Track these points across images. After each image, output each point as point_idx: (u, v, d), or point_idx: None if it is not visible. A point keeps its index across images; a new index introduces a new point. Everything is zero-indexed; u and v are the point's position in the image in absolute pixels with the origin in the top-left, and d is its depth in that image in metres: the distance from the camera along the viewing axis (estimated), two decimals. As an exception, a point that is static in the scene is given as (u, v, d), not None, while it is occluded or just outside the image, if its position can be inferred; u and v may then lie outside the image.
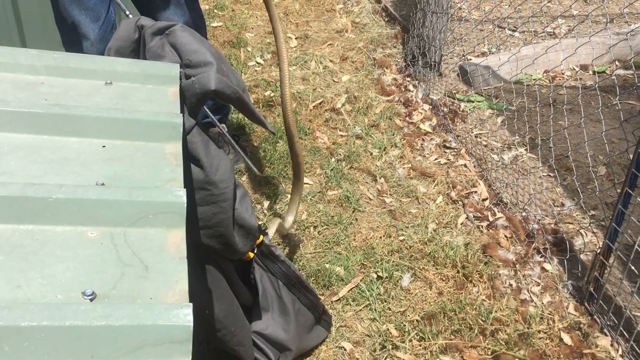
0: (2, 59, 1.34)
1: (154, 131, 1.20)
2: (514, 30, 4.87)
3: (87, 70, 1.39)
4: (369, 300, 2.39)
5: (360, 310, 2.36)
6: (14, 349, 0.73)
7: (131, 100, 1.33)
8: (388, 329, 2.27)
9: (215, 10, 5.01)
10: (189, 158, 1.49)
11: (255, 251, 1.90)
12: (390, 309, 2.36)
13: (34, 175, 1.04)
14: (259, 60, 4.25)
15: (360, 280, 2.47)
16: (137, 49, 1.52)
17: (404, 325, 2.29)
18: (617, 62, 4.34)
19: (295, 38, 4.59)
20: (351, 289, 2.43)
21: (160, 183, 1.08)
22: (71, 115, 1.17)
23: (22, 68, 1.34)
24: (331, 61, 4.28)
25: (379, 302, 2.38)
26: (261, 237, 1.89)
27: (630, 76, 4.14)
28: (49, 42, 3.10)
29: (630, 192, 2.18)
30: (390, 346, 2.21)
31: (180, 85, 1.44)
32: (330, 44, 4.51)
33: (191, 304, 0.81)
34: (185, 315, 0.79)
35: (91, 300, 0.82)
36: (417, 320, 2.31)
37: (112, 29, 2.49)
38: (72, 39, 2.44)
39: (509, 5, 5.25)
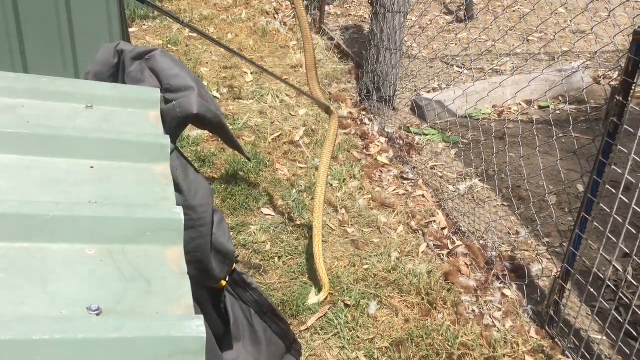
0: (-20, 82, 1.32)
1: (142, 152, 1.19)
2: (461, 68, 5.05)
3: (67, 94, 1.37)
4: (337, 329, 2.39)
5: (329, 338, 2.36)
6: (26, 363, 0.71)
7: (114, 123, 1.32)
8: (358, 357, 2.28)
9: (169, 46, 5.02)
10: (168, 182, 1.48)
11: (227, 279, 1.88)
12: (358, 337, 2.36)
13: (24, 195, 1.02)
14: (215, 93, 4.26)
15: (328, 309, 2.47)
16: (115, 74, 1.51)
17: (373, 352, 2.29)
18: (560, 98, 4.55)
19: (251, 73, 4.63)
20: (319, 318, 2.43)
21: (153, 202, 1.08)
22: (57, 136, 1.15)
23: (2, 91, 1.32)
24: (287, 95, 4.33)
25: (348, 330, 2.39)
26: (233, 264, 1.88)
27: (574, 110, 4.34)
28: (50, 68, 3.10)
29: (587, 217, 2.27)
30: (361, 374, 2.21)
31: (161, 109, 1.44)
32: (285, 79, 4.56)
33: (202, 316, 0.80)
34: (197, 327, 0.78)
35: (97, 315, 0.80)
36: (385, 348, 2.32)
37: None
38: None
39: (456, 45, 5.45)
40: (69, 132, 1.17)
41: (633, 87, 2.06)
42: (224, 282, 1.87)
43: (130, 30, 5.17)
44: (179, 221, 1.00)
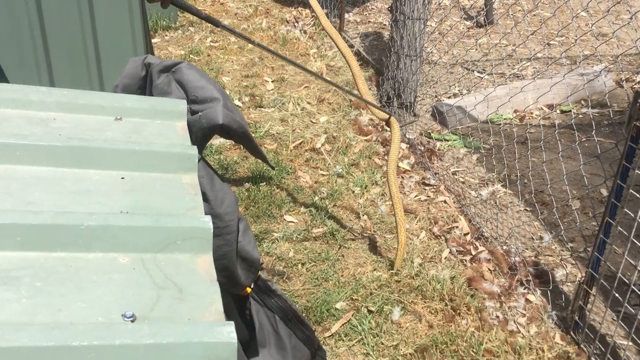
0: (14, 95, 1.36)
1: (171, 163, 1.23)
2: (482, 73, 5.05)
3: (96, 106, 1.41)
4: (361, 335, 2.40)
5: (353, 345, 2.37)
6: (67, 369, 0.74)
7: (143, 135, 1.36)
8: (382, 363, 2.29)
9: (191, 56, 5.08)
10: (195, 192, 1.51)
11: (252, 286, 1.91)
12: (382, 343, 2.37)
13: (59, 206, 1.05)
14: (237, 102, 4.30)
15: (352, 315, 2.49)
16: (143, 86, 1.55)
17: (398, 359, 2.30)
18: (582, 102, 4.52)
19: (272, 81, 4.67)
20: (343, 324, 2.45)
21: (182, 211, 1.11)
22: (89, 148, 1.19)
23: (34, 105, 1.37)
24: (308, 103, 4.36)
25: (371, 337, 2.40)
26: (258, 271, 1.91)
27: (596, 114, 4.31)
28: (75, 81, 3.18)
29: (611, 221, 2.26)
30: (385, 380, 2.22)
31: (187, 120, 1.47)
32: (306, 87, 4.60)
33: (232, 322, 0.83)
34: (228, 333, 0.81)
35: (132, 321, 0.83)
36: (410, 354, 2.33)
37: None
38: None
39: (477, 50, 5.45)
40: (100, 144, 1.20)
41: (656, 91, 2.05)
42: (249, 289, 1.90)
43: (153, 41, 5.25)
44: (208, 230, 1.02)
